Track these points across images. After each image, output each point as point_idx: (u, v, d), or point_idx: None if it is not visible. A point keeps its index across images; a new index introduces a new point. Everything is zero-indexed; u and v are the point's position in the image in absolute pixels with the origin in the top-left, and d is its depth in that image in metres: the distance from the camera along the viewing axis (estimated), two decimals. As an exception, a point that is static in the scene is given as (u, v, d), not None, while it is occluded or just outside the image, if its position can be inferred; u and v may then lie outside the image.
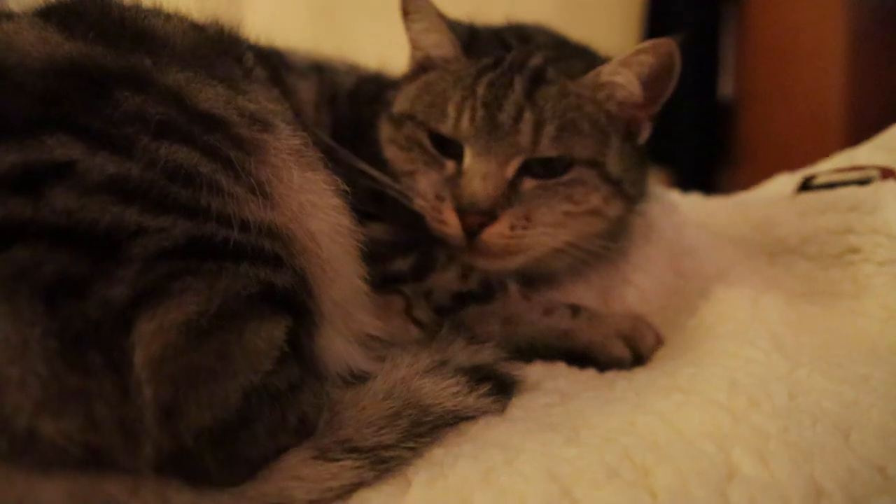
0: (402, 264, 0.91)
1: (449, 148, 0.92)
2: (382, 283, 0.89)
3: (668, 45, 0.88)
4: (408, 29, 0.99)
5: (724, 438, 0.58)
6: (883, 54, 3.05)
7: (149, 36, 0.74)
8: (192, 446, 0.56)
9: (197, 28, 0.84)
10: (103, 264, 0.57)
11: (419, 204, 0.92)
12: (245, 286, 0.61)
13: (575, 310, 0.93)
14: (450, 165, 0.91)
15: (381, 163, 0.96)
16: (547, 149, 0.88)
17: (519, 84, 0.89)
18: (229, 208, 0.63)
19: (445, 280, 0.91)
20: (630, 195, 0.95)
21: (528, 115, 0.87)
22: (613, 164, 0.91)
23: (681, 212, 1.12)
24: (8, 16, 0.73)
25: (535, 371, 0.84)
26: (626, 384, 0.75)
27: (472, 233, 0.87)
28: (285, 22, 2.86)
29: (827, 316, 0.90)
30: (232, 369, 0.58)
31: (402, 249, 0.92)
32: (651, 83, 0.91)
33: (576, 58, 0.96)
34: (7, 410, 0.51)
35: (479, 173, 0.87)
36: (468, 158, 0.89)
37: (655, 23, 3.48)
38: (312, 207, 0.71)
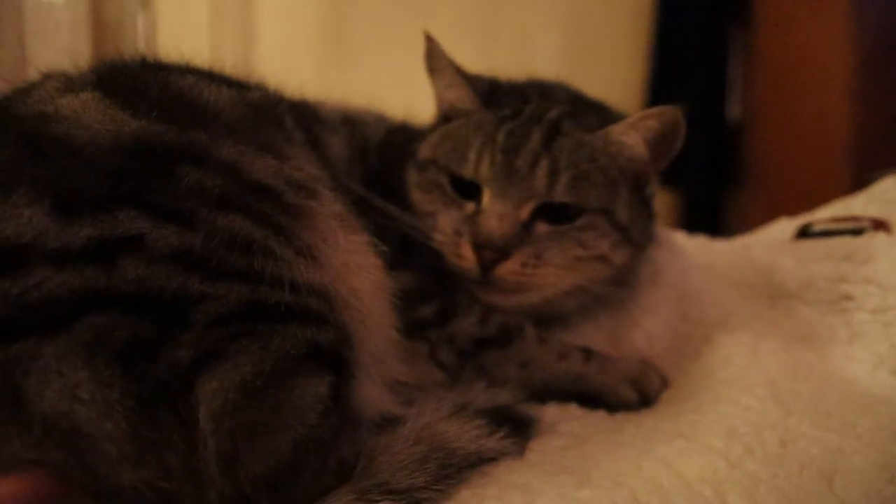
0: (426, 311, 0.98)
1: (468, 191, 0.99)
2: (409, 328, 0.97)
3: (673, 113, 0.96)
4: (433, 84, 1.08)
5: (721, 483, 0.65)
6: (888, 80, 3.11)
7: (202, 110, 0.82)
8: (250, 492, 0.63)
9: (241, 94, 0.91)
10: (169, 329, 0.63)
11: (438, 240, 0.99)
12: (294, 346, 0.67)
13: (587, 354, 1.00)
14: (469, 206, 0.99)
15: (407, 211, 1.04)
16: (561, 195, 0.95)
17: (537, 134, 0.97)
18: (280, 271, 0.69)
19: (466, 325, 0.98)
20: (637, 242, 1.02)
21: (544, 163, 0.95)
22: (622, 213, 0.98)
23: (687, 257, 1.19)
24: (68, 86, 0.80)
25: (550, 412, 0.91)
26: (635, 429, 0.82)
27: (486, 267, 0.95)
28: (295, 55, 2.94)
29: (822, 361, 0.97)
30: (283, 424, 0.65)
31: (426, 296, 0.99)
32: (656, 145, 0.99)
33: (591, 113, 1.03)
34: (97, 459, 0.59)
35: (496, 213, 0.95)
36: (486, 199, 0.96)
37: (663, 45, 3.56)
38: (355, 266, 0.78)
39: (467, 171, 0.99)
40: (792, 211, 1.45)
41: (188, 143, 0.75)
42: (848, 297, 1.04)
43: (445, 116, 1.08)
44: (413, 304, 0.96)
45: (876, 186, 1.24)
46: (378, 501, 0.68)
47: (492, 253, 0.94)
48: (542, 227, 0.96)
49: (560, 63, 3.42)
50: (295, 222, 0.74)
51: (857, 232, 1.11)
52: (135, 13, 2.06)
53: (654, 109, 0.96)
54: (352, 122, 1.13)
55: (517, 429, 0.82)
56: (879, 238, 1.06)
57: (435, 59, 1.05)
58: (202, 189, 0.71)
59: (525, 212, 0.95)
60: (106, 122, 0.73)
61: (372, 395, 0.81)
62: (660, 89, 3.60)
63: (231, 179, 0.73)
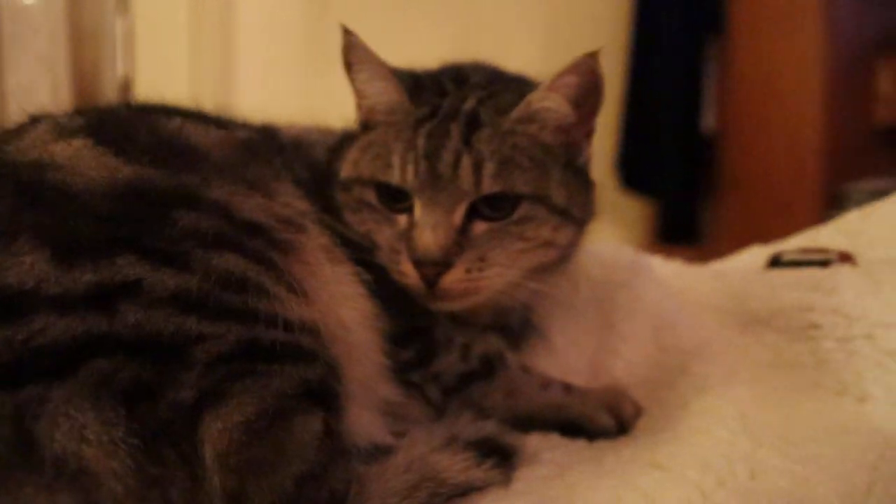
0: (407, 355, 0.95)
1: (398, 199, 0.96)
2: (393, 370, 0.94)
3: (588, 62, 0.94)
4: (352, 81, 1.02)
5: (695, 515, 0.70)
6: (859, 90, 3.20)
7: (192, 152, 0.85)
8: None
9: (229, 133, 0.93)
10: (169, 370, 0.67)
11: (380, 257, 0.96)
12: (291, 385, 0.71)
13: (567, 388, 1.03)
14: (401, 220, 0.96)
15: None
16: (489, 186, 0.92)
17: (455, 131, 0.94)
18: (274, 309, 0.73)
19: (450, 363, 0.99)
20: (578, 219, 1.01)
21: (466, 161, 0.92)
22: (558, 195, 0.96)
23: (663, 284, 1.24)
24: (60, 132, 0.81)
25: (533, 441, 0.95)
26: (614, 458, 0.87)
27: (430, 282, 0.92)
28: (275, 58, 2.92)
29: (791, 388, 1.01)
30: (286, 461, 0.69)
31: (404, 340, 0.94)
32: (581, 102, 0.97)
33: (508, 91, 1.00)
34: (103, 498, 0.62)
35: (429, 224, 0.92)
36: (417, 211, 0.94)
37: (640, 56, 3.63)
38: (342, 297, 0.82)
39: (394, 178, 0.95)
40: (766, 219, 1.50)
41: (180, 185, 0.78)
42: (815, 326, 1.09)
43: (364, 124, 1.04)
44: (393, 350, 0.93)
45: (842, 218, 1.30)
46: None
47: (433, 268, 0.91)
48: (479, 227, 0.94)
49: (537, 71, 3.46)
50: (285, 258, 0.78)
51: (824, 263, 1.16)
52: (113, 19, 2.04)
53: (569, 63, 0.93)
54: (299, 146, 1.08)
55: (503, 458, 0.86)
56: (845, 270, 1.12)
57: (354, 51, 0.99)
58: (196, 231, 0.74)
59: (458, 216, 0.93)
60: (100, 168, 0.76)
61: (363, 422, 0.84)
62: (635, 98, 3.67)
63: (223, 219, 0.77)
